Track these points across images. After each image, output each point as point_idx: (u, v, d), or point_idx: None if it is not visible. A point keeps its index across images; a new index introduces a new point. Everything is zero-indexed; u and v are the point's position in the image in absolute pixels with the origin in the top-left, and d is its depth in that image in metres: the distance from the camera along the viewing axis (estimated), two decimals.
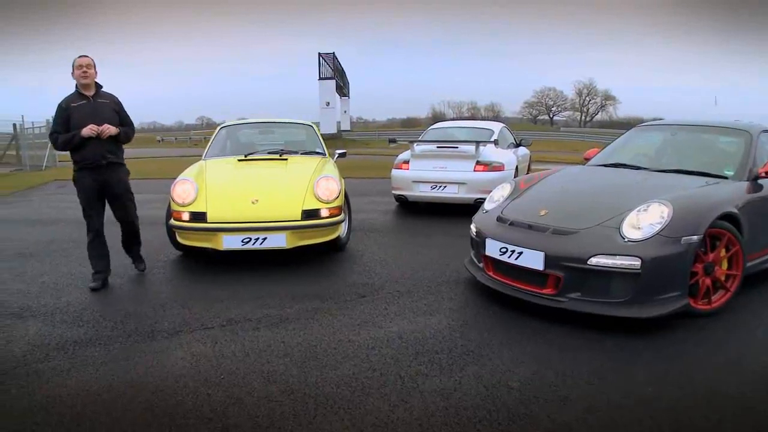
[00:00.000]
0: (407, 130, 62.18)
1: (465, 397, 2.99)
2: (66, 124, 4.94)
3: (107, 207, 5.20)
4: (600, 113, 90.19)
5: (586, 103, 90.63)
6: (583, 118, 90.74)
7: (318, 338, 3.84)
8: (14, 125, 21.54)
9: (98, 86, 5.10)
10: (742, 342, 3.79)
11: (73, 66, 4.95)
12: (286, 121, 8.51)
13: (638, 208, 4.04)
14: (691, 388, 3.14)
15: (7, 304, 4.60)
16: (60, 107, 4.99)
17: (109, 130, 4.93)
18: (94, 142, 4.88)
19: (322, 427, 2.75)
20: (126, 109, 5.24)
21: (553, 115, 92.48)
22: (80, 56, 4.96)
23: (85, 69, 4.92)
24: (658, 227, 3.87)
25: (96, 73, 5.04)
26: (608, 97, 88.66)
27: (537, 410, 2.87)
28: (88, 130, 4.82)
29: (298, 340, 3.81)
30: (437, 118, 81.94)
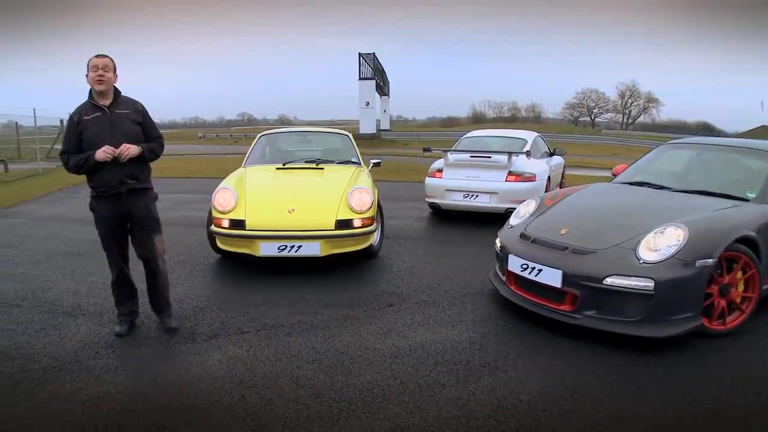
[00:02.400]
0: (446, 130, 62.27)
1: (477, 408, 3.21)
2: (78, 142, 4.04)
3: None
4: (642, 116, 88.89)
5: (629, 105, 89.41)
6: (625, 120, 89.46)
7: (345, 345, 4.09)
8: (61, 121, 22.41)
9: (117, 92, 4.13)
10: (752, 364, 3.89)
11: (87, 67, 4.00)
12: (323, 130, 8.88)
13: (655, 231, 4.18)
14: (694, 408, 3.29)
15: (59, 303, 4.98)
16: (71, 120, 4.09)
17: (129, 151, 4.01)
18: (110, 165, 4.00)
19: (344, 431, 2.99)
20: (152, 117, 4.32)
21: (595, 117, 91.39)
22: (96, 55, 3.99)
23: (101, 71, 3.95)
24: (673, 250, 4.00)
25: (116, 77, 4.07)
26: (651, 99, 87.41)
27: (544, 422, 3.07)
28: (102, 154, 3.94)
29: (326, 346, 4.07)
30: (477, 118, 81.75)
